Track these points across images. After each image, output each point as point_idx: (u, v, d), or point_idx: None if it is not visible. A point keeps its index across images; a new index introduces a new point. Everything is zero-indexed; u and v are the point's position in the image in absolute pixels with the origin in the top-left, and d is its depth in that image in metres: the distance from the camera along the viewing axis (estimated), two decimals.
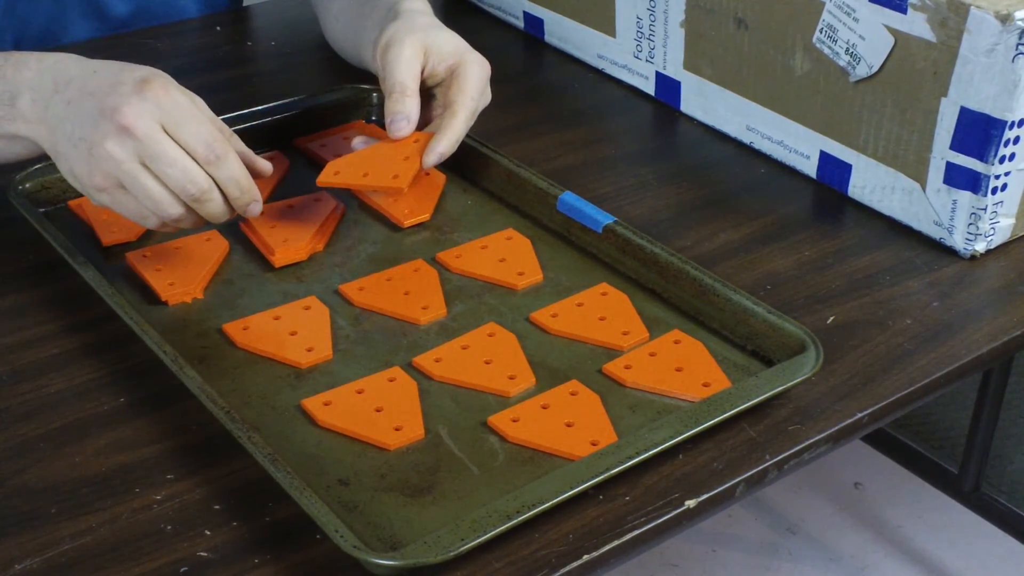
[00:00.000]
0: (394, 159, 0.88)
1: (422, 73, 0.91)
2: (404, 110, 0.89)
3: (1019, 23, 0.81)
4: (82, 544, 0.64)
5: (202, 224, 0.82)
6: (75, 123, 0.79)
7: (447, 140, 0.89)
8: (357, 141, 0.94)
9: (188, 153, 0.77)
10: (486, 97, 0.94)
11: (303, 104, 1.04)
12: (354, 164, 0.90)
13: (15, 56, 0.84)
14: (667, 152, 1.08)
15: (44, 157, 0.85)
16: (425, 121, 0.93)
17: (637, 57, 1.13)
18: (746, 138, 1.05)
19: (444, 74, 0.92)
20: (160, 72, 0.80)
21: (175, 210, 0.78)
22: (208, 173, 0.78)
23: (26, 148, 0.85)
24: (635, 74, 1.14)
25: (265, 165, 0.85)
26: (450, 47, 0.92)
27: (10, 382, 0.76)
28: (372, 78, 1.07)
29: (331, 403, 0.74)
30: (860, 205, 0.96)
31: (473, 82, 0.91)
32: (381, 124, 0.95)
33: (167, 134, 0.77)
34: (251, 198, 0.81)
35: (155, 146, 0.76)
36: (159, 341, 0.75)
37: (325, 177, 0.89)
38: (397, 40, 0.91)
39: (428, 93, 0.94)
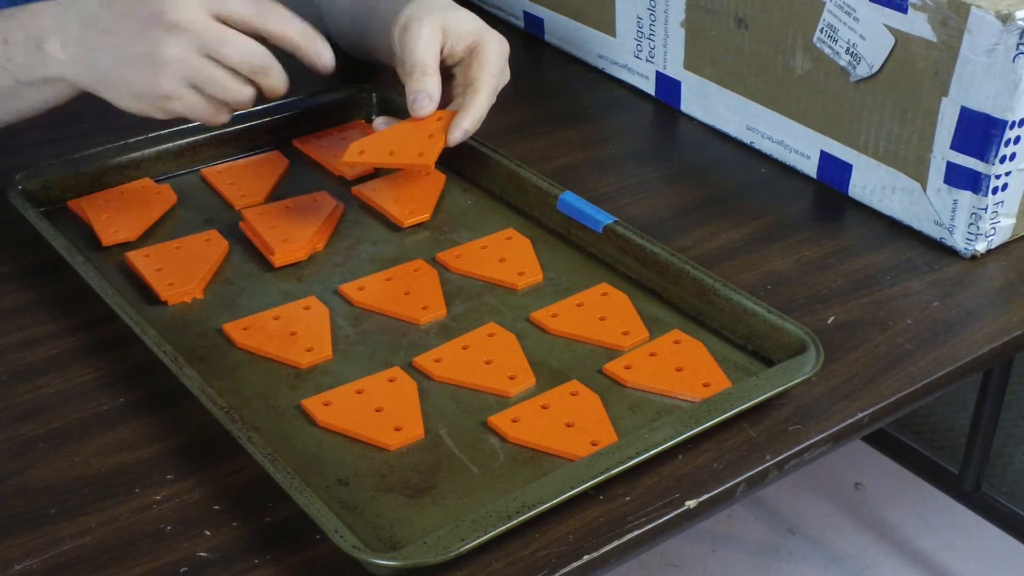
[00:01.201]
0: (418, 137, 0.89)
1: (441, 53, 0.91)
2: (426, 88, 0.89)
3: (1020, 23, 0.80)
4: (82, 544, 0.64)
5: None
6: (122, 46, 0.79)
7: (471, 117, 0.89)
8: (379, 121, 0.94)
9: (239, 28, 0.79)
10: (506, 75, 0.94)
11: (302, 104, 1.04)
12: (378, 143, 0.90)
13: (31, 6, 0.84)
14: (667, 152, 1.08)
15: (47, 149, 0.84)
16: (445, 101, 0.92)
17: (637, 57, 1.13)
18: (746, 138, 1.05)
19: (463, 53, 0.92)
20: None
21: (247, 90, 0.81)
22: (267, 31, 0.80)
23: (57, 93, 0.85)
24: (635, 74, 1.14)
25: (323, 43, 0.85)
26: (468, 26, 0.92)
27: (10, 382, 0.76)
28: (372, 77, 1.07)
29: (331, 403, 0.74)
30: (860, 205, 0.96)
31: (493, 59, 0.91)
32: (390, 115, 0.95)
33: (215, 16, 0.78)
34: (319, 44, 0.82)
35: (209, 32, 0.78)
36: (159, 341, 0.75)
37: (350, 156, 0.89)
38: (415, 20, 0.91)
39: (448, 73, 0.94)
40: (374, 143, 0.90)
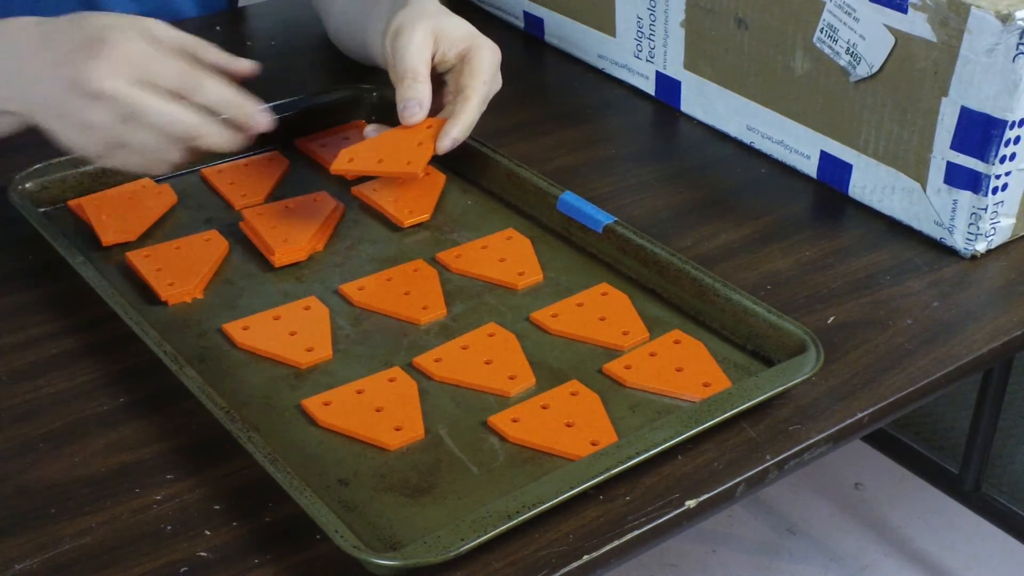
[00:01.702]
0: (408, 145, 0.89)
1: (432, 59, 0.91)
2: (416, 95, 0.89)
3: (1020, 23, 0.80)
4: (82, 544, 0.64)
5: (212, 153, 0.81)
6: (49, 100, 0.78)
7: (460, 125, 0.89)
8: (369, 129, 0.94)
9: (165, 95, 0.77)
10: (497, 82, 0.94)
11: (303, 104, 1.04)
12: (367, 151, 0.90)
13: None
14: (667, 152, 1.08)
15: (47, 149, 0.84)
16: (437, 108, 0.92)
17: (637, 57, 1.13)
18: (746, 138, 1.05)
19: (455, 60, 0.92)
20: (112, 16, 0.78)
21: (174, 155, 0.78)
22: (194, 103, 0.77)
23: (11, 124, 0.84)
24: (635, 74, 1.14)
25: (243, 64, 0.83)
26: (460, 32, 0.92)
27: (10, 382, 0.76)
28: (372, 77, 1.07)
29: (331, 403, 0.74)
30: (860, 205, 0.96)
31: (485, 67, 0.91)
32: (383, 121, 0.95)
33: (137, 84, 0.76)
34: (249, 110, 0.80)
35: (131, 102, 0.76)
36: (159, 341, 0.75)
37: (339, 164, 0.89)
38: (407, 26, 0.91)
39: (439, 80, 0.93)
40: (363, 151, 0.90)
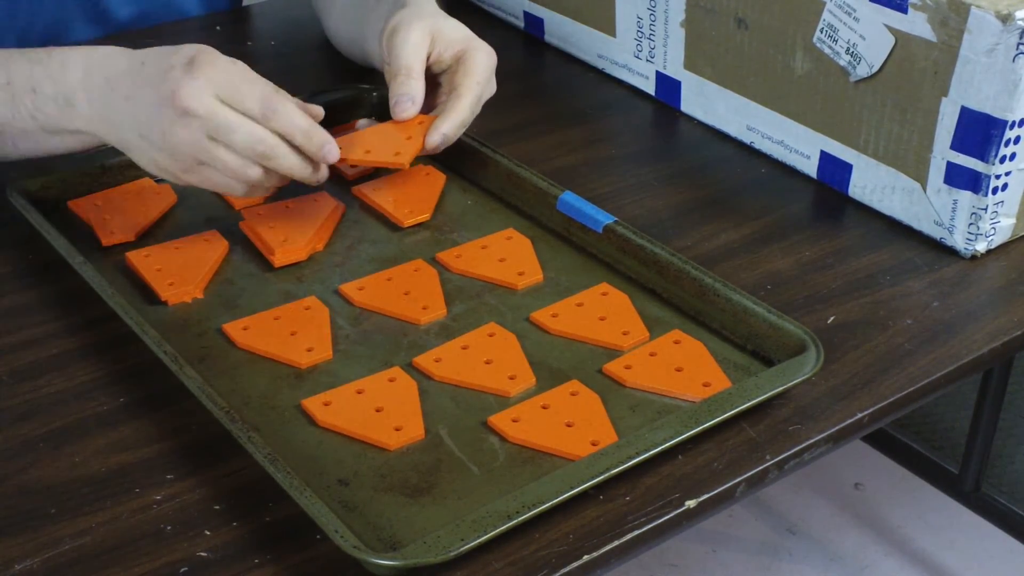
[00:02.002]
0: (397, 138, 0.89)
1: (428, 58, 0.92)
2: (409, 91, 0.90)
3: (1020, 23, 0.80)
4: (82, 544, 0.64)
5: (287, 183, 0.85)
6: (139, 117, 0.82)
7: (450, 121, 0.89)
8: (361, 123, 0.94)
9: (248, 116, 0.81)
10: (492, 86, 0.94)
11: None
12: (356, 142, 0.90)
13: (58, 54, 0.85)
14: (667, 152, 1.08)
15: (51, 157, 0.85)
16: (429, 107, 0.93)
17: (637, 57, 1.13)
18: (746, 138, 1.05)
19: (450, 61, 0.92)
20: (203, 47, 0.82)
21: (254, 172, 0.82)
22: (271, 128, 0.81)
23: (83, 142, 0.87)
24: (635, 74, 1.14)
25: (317, 109, 0.87)
26: (457, 34, 0.93)
27: (10, 382, 0.76)
28: (373, 77, 1.07)
29: (331, 403, 0.74)
30: (860, 205, 0.96)
31: (480, 68, 0.91)
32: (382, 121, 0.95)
33: (224, 104, 0.80)
34: (320, 141, 0.83)
35: (216, 118, 0.79)
36: (159, 341, 0.75)
37: None
38: (404, 25, 0.91)
39: (434, 80, 0.94)
40: (352, 141, 0.90)
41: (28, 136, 0.87)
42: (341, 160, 0.88)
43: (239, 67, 0.82)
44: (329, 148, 0.84)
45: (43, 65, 0.85)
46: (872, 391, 0.76)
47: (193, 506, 0.67)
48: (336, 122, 1.05)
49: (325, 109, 1.04)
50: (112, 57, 0.84)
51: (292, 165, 0.83)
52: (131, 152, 0.84)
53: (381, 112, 1.03)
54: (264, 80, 0.83)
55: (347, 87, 1.06)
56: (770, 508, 1.82)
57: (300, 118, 0.82)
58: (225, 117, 0.80)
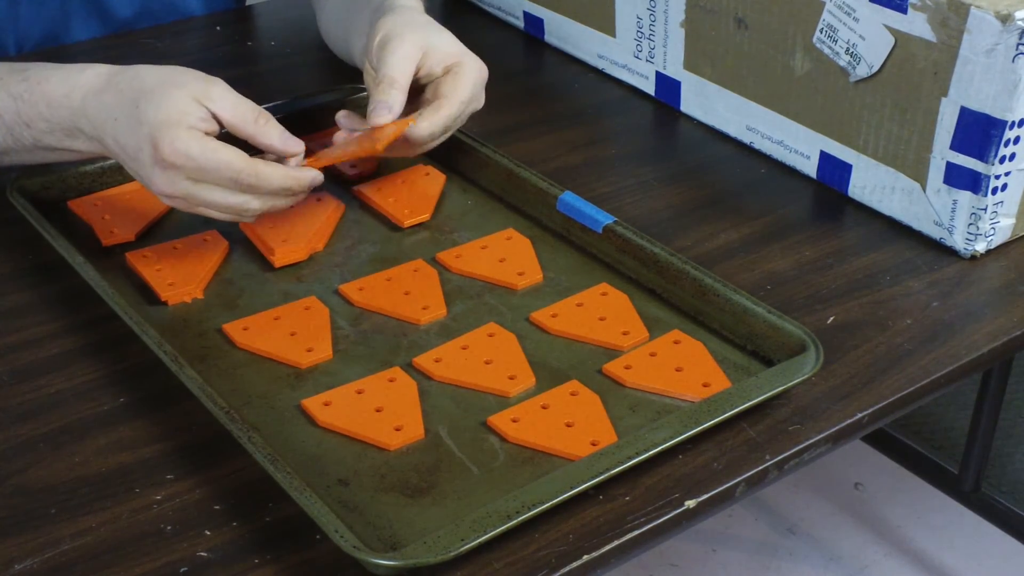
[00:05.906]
0: (370, 138, 0.88)
1: (418, 72, 0.90)
2: (388, 100, 0.87)
3: (1019, 23, 0.81)
4: (82, 544, 0.64)
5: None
6: (130, 160, 0.82)
7: (429, 119, 0.88)
8: (341, 114, 0.93)
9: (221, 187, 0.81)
10: (478, 101, 0.93)
11: (302, 104, 1.04)
12: (332, 152, 0.89)
13: (39, 91, 0.85)
14: (667, 152, 1.08)
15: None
16: (409, 113, 0.91)
17: (637, 57, 1.13)
18: (746, 138, 1.05)
19: (441, 73, 0.91)
20: (162, 122, 0.80)
21: (246, 200, 0.82)
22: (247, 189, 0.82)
23: (90, 148, 0.87)
24: (635, 74, 1.14)
25: (296, 144, 0.85)
26: (450, 48, 0.91)
27: (10, 382, 0.76)
28: None
29: (331, 403, 0.74)
30: (860, 205, 0.96)
31: (468, 80, 0.90)
32: None
33: (199, 182, 0.80)
34: (299, 188, 0.83)
35: (198, 162, 0.79)
36: (159, 341, 0.75)
37: (309, 162, 0.88)
38: (396, 35, 0.90)
39: (420, 89, 0.93)
40: (328, 152, 0.89)
41: (35, 154, 0.88)
42: (313, 163, 0.87)
43: (203, 145, 0.79)
44: (312, 177, 0.84)
45: (28, 104, 0.85)
46: (872, 391, 0.76)
47: (193, 506, 0.67)
48: (335, 122, 1.05)
49: (324, 109, 1.05)
50: (90, 96, 0.84)
51: (281, 205, 0.84)
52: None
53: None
54: (243, 117, 0.82)
55: (345, 87, 1.06)
56: (770, 508, 1.82)
57: (278, 182, 0.82)
58: (201, 196, 0.81)
